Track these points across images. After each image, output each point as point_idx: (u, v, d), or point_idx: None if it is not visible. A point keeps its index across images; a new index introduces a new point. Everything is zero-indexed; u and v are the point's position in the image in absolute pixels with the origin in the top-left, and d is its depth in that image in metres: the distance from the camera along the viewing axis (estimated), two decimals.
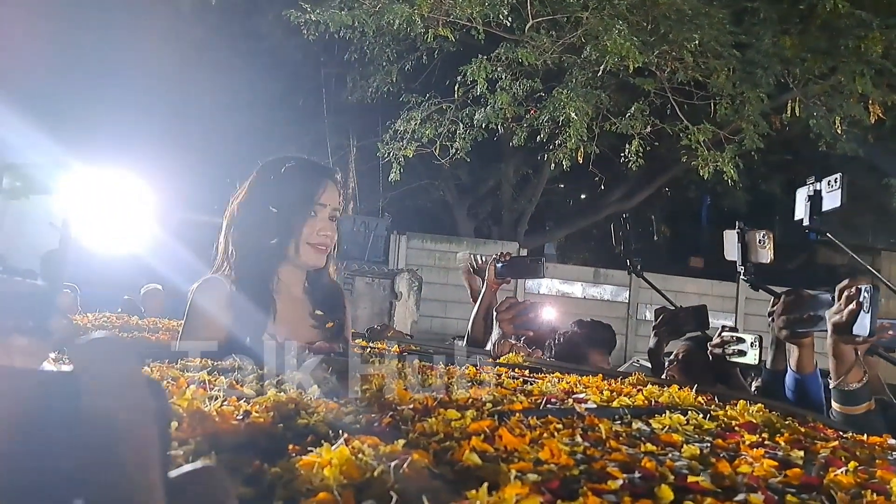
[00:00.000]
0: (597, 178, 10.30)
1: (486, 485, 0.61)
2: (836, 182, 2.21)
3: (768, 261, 2.29)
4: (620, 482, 0.74)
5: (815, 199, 2.22)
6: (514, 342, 2.57)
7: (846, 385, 1.76)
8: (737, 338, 2.23)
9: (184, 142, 10.60)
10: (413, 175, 11.70)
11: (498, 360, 2.02)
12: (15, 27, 7.71)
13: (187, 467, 0.47)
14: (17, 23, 7.81)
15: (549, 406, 1.10)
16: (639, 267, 3.38)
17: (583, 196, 16.74)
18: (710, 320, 2.70)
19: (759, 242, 2.30)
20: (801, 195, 2.26)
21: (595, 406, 1.16)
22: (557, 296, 11.74)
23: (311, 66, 11.72)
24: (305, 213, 1.82)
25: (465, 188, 13.95)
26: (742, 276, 2.34)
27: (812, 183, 2.25)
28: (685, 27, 7.57)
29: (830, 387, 1.79)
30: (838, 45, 8.37)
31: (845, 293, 1.72)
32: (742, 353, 2.20)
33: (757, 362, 2.16)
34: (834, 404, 1.77)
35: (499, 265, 2.78)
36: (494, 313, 2.59)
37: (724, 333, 2.27)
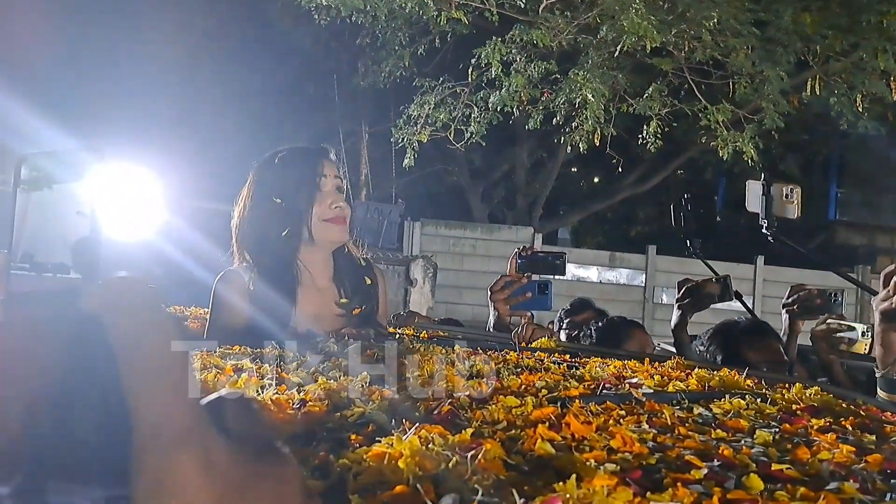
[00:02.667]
0: (613, 161, 10.18)
1: (574, 476, 0.58)
2: (792, 193, 2.13)
3: (794, 216, 2.19)
4: (704, 471, 0.70)
5: (768, 201, 2.15)
6: (533, 326, 2.52)
7: (894, 373, 1.71)
8: (846, 325, 2.12)
9: (194, 130, 10.59)
10: (426, 160, 11.65)
11: (531, 346, 1.98)
12: (25, 18, 7.70)
13: (217, 394, 0.48)
14: (27, 13, 7.80)
15: (605, 391, 1.07)
16: (698, 249, 3.26)
17: (597, 179, 16.62)
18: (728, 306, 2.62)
19: (786, 196, 2.19)
20: (754, 190, 2.19)
21: (652, 391, 1.12)
22: (573, 280, 11.68)
23: (322, 52, 11.65)
24: (311, 193, 1.81)
25: (479, 173, 13.88)
26: (764, 230, 2.23)
27: (764, 182, 2.17)
28: (703, 5, 7.44)
29: (878, 375, 1.74)
30: (860, 22, 8.21)
31: (894, 279, 1.66)
32: (853, 342, 2.09)
33: (868, 352, 2.03)
34: (881, 393, 1.73)
35: (519, 260, 2.69)
36: (489, 293, 2.52)
37: (830, 322, 2.19)
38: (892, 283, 1.66)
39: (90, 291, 0.45)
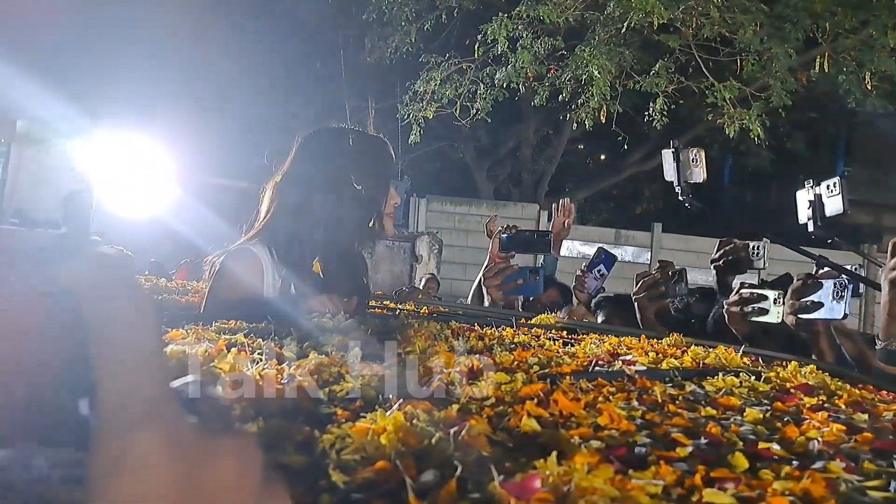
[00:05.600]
0: (619, 139, 10.11)
1: (555, 454, 0.58)
2: (835, 186, 2.12)
3: (701, 179, 2.21)
4: (690, 449, 0.70)
5: (817, 203, 2.12)
6: (580, 312, 2.53)
7: (894, 345, 1.71)
8: (758, 294, 2.10)
9: (202, 104, 10.55)
10: (432, 137, 11.60)
11: (531, 322, 1.98)
12: None
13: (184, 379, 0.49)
14: None
15: (598, 368, 1.06)
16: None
17: (603, 156, 16.53)
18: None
19: (692, 161, 2.22)
20: (802, 199, 2.18)
21: (644, 368, 1.12)
22: (578, 257, 11.66)
23: (329, 28, 11.56)
24: (388, 188, 1.81)
25: (485, 149, 13.82)
26: (680, 197, 2.26)
27: (811, 186, 2.16)
28: None
29: (878, 347, 1.74)
30: None
31: None
32: (763, 312, 2.06)
33: (780, 320, 2.00)
34: (881, 364, 1.72)
35: (504, 237, 2.70)
36: (482, 278, 2.54)
37: (742, 291, 2.15)
38: None
39: (70, 266, 0.44)
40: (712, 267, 2.48)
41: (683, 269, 2.88)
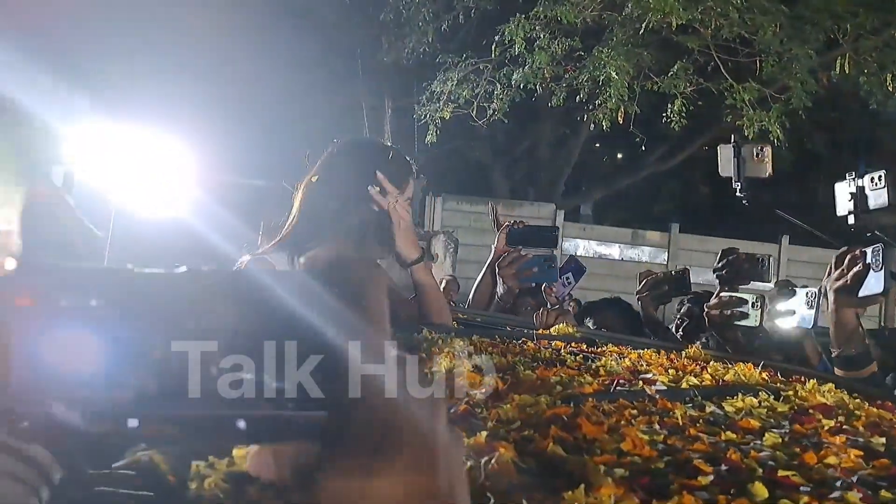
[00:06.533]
0: (637, 140, 10.09)
1: (582, 486, 0.60)
2: (880, 180, 2.13)
3: (766, 175, 2.20)
4: (710, 477, 0.73)
5: (860, 196, 2.12)
6: (553, 310, 2.57)
7: (849, 351, 1.75)
8: (737, 298, 2.13)
9: (220, 104, 10.63)
10: (449, 136, 11.61)
11: (550, 333, 2.01)
12: None
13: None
14: None
15: (619, 388, 1.09)
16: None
17: (620, 156, 16.48)
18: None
19: (757, 156, 2.19)
20: (842, 191, 2.13)
21: (665, 388, 1.14)
22: (594, 257, 11.65)
23: (347, 28, 11.61)
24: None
25: (501, 148, 13.81)
26: (738, 193, 2.25)
27: (853, 179, 2.16)
28: None
29: (833, 355, 1.78)
30: None
31: (847, 257, 1.74)
32: (743, 316, 2.10)
33: (759, 323, 2.02)
34: (838, 371, 1.76)
35: (510, 233, 2.76)
36: (497, 269, 2.60)
37: (722, 294, 2.18)
38: (844, 262, 1.74)
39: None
40: (715, 276, 2.51)
41: (686, 270, 2.92)
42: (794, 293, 1.99)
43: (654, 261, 11.89)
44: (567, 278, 2.99)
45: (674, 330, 3.10)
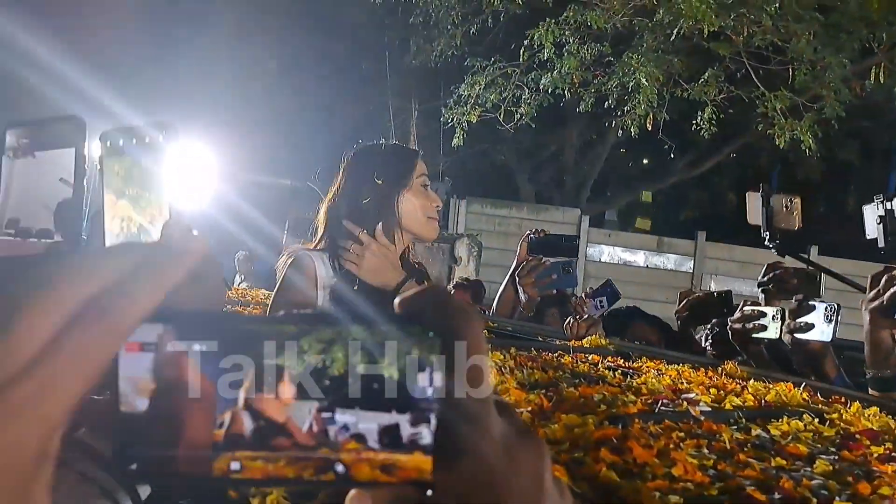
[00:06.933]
0: (666, 147, 10.02)
1: None
2: (792, 204, 2.13)
3: (795, 227, 2.20)
4: None
5: (889, 218, 2.09)
6: (584, 321, 2.56)
7: (884, 372, 1.74)
8: (758, 311, 2.13)
9: (247, 103, 10.73)
10: (474, 139, 11.62)
11: (584, 345, 2.00)
12: None
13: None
14: None
15: (663, 409, 1.09)
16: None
17: (647, 162, 16.37)
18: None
19: (786, 207, 2.19)
20: (870, 214, 2.14)
21: (709, 408, 1.14)
22: (619, 264, 11.58)
23: (375, 30, 11.66)
24: (408, 179, 1.90)
25: (527, 152, 13.78)
26: (766, 243, 2.25)
27: (881, 201, 2.16)
28: None
29: (868, 377, 1.77)
30: None
31: (884, 277, 1.71)
32: (763, 328, 2.10)
33: (778, 335, 2.05)
34: (873, 392, 1.75)
35: (532, 239, 2.77)
36: (517, 278, 2.61)
37: (745, 308, 2.17)
38: (881, 283, 1.71)
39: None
40: (759, 290, 2.48)
41: (730, 293, 2.91)
42: (813, 307, 2.01)
43: (680, 269, 11.79)
44: (601, 301, 2.98)
45: (703, 343, 3.08)
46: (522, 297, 2.63)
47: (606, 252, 11.64)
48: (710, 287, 11.50)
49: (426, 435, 0.35)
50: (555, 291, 2.99)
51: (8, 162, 1.02)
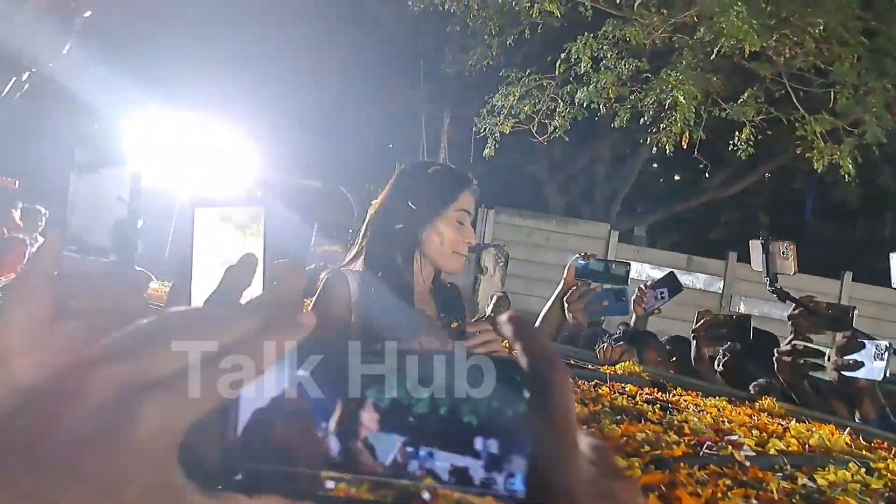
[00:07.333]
0: (699, 165, 9.91)
1: None
2: (787, 251, 2.19)
3: (791, 272, 2.27)
4: None
5: (768, 259, 2.21)
6: (617, 346, 2.54)
7: None
8: (812, 349, 2.09)
9: (283, 105, 10.83)
10: (505, 149, 11.61)
11: (616, 371, 1.98)
12: None
13: None
14: None
15: (708, 451, 1.07)
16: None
17: (679, 178, 16.21)
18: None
19: (782, 253, 2.28)
20: (755, 248, 2.28)
21: (753, 453, 1.12)
22: (647, 281, 11.45)
23: (411, 37, 11.72)
24: (444, 209, 1.87)
25: (558, 164, 13.72)
26: (767, 288, 2.32)
27: (763, 241, 2.23)
28: (810, 11, 7.10)
29: None
30: None
31: None
32: (818, 368, 2.07)
33: (836, 379, 2.00)
34: None
35: (580, 264, 2.72)
36: (565, 304, 2.57)
37: (796, 343, 2.16)
38: None
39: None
40: (790, 322, 2.45)
41: (749, 318, 2.89)
42: (862, 345, 1.97)
43: (709, 289, 11.64)
44: (661, 293, 3.00)
45: (715, 364, 3.05)
46: (570, 321, 2.60)
47: (634, 268, 11.46)
48: (739, 309, 11.34)
49: (513, 477, 0.36)
50: (603, 319, 2.96)
51: (74, 178, 1.04)
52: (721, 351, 2.93)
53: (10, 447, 0.34)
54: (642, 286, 3.25)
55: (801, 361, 2.12)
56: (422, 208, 1.86)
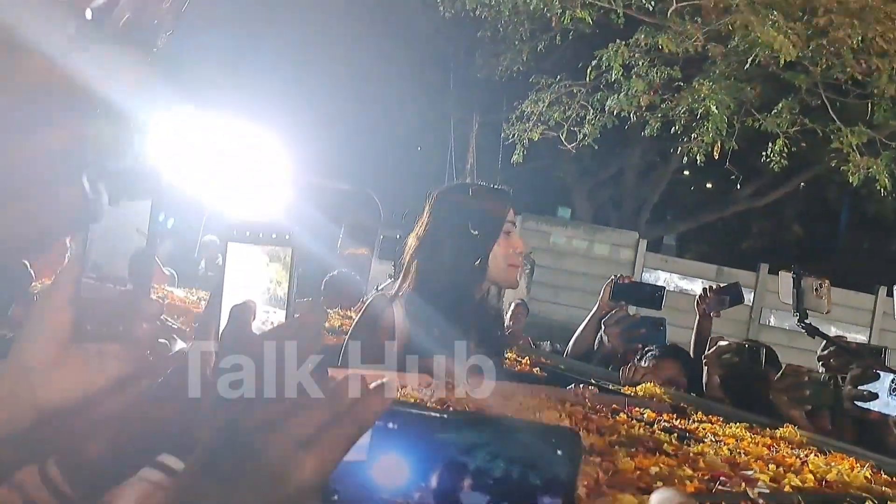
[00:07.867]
0: (731, 176, 9.78)
1: None
2: (822, 288, 2.16)
3: (824, 312, 2.22)
4: None
5: (799, 294, 2.17)
6: (640, 368, 2.53)
7: None
8: (868, 393, 1.99)
9: (313, 106, 10.91)
10: (534, 154, 11.57)
11: (637, 392, 1.97)
12: None
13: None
14: None
15: (721, 487, 1.06)
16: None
17: (710, 186, 16.02)
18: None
19: (815, 290, 2.22)
20: (785, 281, 2.23)
21: (766, 489, 1.10)
22: (675, 291, 11.32)
23: (442, 41, 11.75)
24: (498, 231, 1.88)
25: (587, 171, 13.63)
26: (796, 323, 2.28)
27: (794, 276, 2.17)
28: (848, 22, 6.97)
29: None
30: None
31: None
32: (874, 396, 1.98)
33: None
34: None
35: (616, 285, 2.71)
36: (602, 326, 2.57)
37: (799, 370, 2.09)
38: None
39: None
40: (819, 364, 2.40)
41: (761, 350, 2.82)
42: (877, 376, 1.90)
43: None
44: (725, 298, 3.01)
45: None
46: (606, 343, 2.61)
47: (663, 278, 11.38)
48: (769, 322, 11.15)
49: None
50: (640, 346, 2.96)
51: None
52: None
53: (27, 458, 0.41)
54: (708, 286, 3.23)
55: (805, 395, 2.08)
56: (485, 233, 1.86)
